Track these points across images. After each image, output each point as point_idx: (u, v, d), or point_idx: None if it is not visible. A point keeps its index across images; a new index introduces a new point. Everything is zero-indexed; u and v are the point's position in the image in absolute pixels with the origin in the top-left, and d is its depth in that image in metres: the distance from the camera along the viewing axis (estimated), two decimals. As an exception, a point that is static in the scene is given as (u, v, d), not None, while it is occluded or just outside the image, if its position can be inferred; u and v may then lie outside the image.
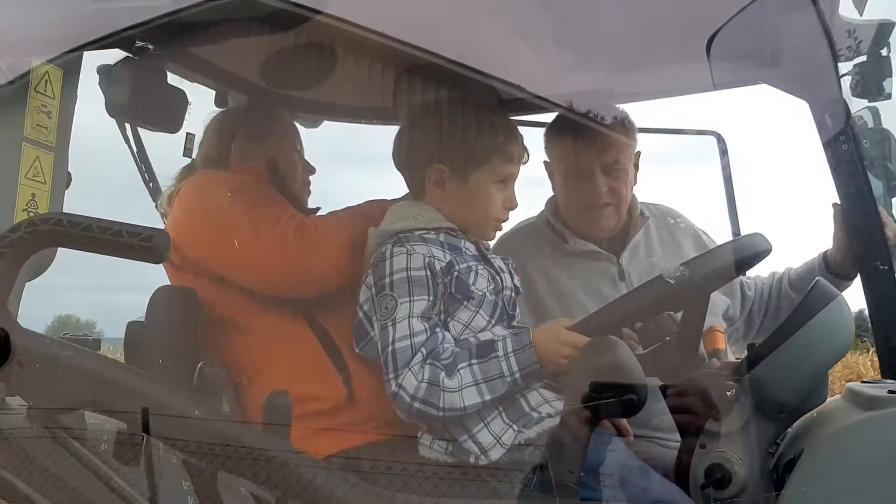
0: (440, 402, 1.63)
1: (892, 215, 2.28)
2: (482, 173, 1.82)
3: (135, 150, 2.32)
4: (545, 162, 2.28)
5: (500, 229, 1.89)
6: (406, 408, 1.65)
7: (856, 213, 2.25)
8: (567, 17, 2.21)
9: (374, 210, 1.96)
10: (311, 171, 2.24)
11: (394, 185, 1.99)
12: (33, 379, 1.46)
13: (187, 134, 2.29)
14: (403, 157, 1.94)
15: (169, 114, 2.17)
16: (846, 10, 2.11)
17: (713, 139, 3.07)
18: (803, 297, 1.56)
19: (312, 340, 1.90)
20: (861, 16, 2.03)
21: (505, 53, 2.36)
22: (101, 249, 1.44)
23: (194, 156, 2.27)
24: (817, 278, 1.61)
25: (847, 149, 2.30)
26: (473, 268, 1.79)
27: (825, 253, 2.23)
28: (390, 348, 1.68)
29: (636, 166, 2.25)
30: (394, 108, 2.54)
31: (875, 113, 2.34)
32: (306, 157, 2.32)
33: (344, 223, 1.98)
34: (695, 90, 2.56)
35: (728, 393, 1.49)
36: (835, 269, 2.18)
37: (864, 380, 1.89)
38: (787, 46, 2.25)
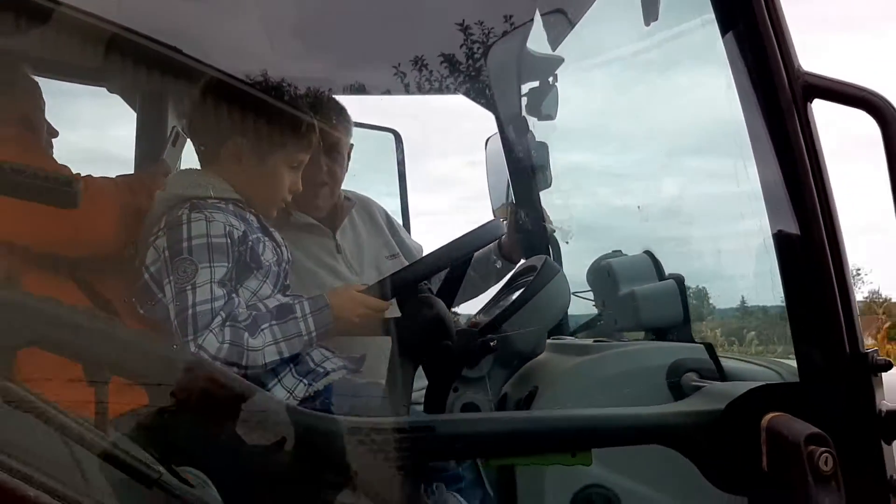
0: (243, 361, 1.71)
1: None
2: (280, 156, 1.91)
3: None
4: None
5: (282, 208, 1.99)
6: None
7: (525, 210, 2.82)
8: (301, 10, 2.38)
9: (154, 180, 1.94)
10: (55, 133, 2.07)
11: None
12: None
13: None
14: (202, 125, 1.95)
15: None
16: (533, 43, 2.63)
17: (391, 136, 3.47)
18: (538, 272, 1.98)
19: (85, 304, 1.81)
20: (553, 51, 2.54)
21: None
22: (9, 192, 1.27)
23: None
24: (545, 257, 2.04)
25: (522, 157, 2.86)
26: (261, 239, 1.89)
27: (500, 240, 2.70)
28: (189, 311, 1.71)
29: (349, 156, 2.49)
30: (103, 70, 2.44)
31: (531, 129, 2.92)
32: None
33: (120, 187, 1.92)
34: (397, 92, 2.89)
35: (491, 343, 1.85)
36: (506, 254, 2.66)
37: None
38: (488, 68, 2.71)
